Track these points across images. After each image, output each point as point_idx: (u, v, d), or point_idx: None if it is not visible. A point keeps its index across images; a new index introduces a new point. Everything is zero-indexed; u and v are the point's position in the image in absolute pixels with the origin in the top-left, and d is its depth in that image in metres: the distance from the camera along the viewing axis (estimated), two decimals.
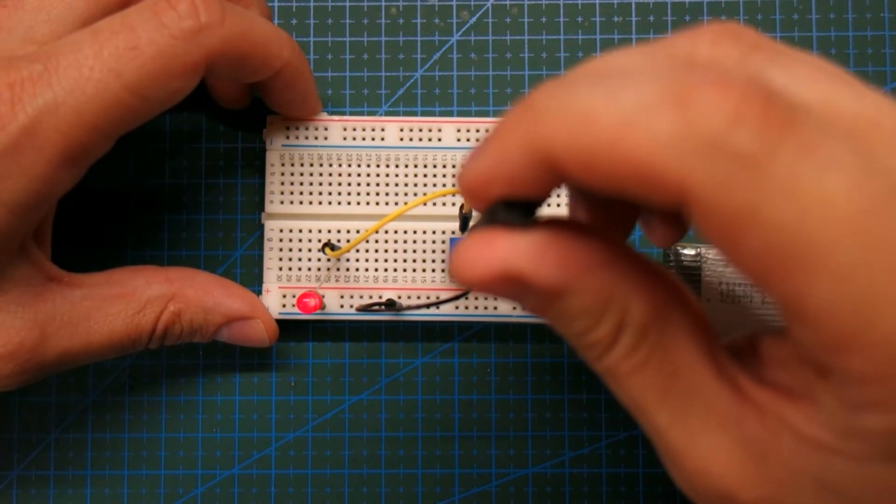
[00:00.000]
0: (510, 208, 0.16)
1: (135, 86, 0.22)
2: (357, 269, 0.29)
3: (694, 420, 0.16)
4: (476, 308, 0.28)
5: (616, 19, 0.31)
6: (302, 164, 0.29)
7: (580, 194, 0.20)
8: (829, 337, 0.13)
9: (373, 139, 0.29)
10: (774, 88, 0.14)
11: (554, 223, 0.16)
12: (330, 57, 0.31)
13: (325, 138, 0.29)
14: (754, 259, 0.13)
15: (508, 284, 0.15)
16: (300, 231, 0.29)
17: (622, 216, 0.20)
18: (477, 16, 0.31)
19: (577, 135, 0.14)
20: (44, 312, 0.24)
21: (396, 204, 0.29)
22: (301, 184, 0.29)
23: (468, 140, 0.29)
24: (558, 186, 0.16)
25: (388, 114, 0.30)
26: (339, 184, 0.29)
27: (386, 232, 0.29)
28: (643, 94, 0.14)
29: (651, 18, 0.31)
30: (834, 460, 0.15)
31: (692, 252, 0.28)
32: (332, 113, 0.30)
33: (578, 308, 0.16)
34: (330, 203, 0.29)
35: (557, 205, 0.28)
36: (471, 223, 0.26)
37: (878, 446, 0.14)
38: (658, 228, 0.19)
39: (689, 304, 0.16)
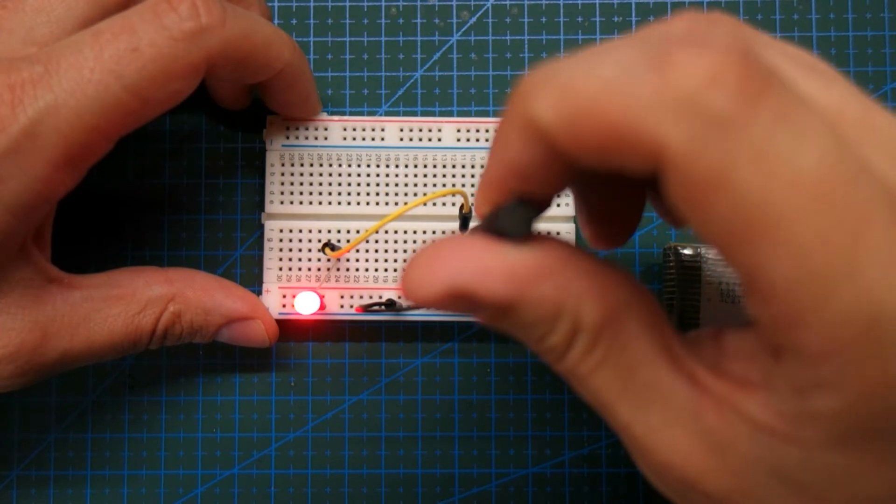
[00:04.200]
0: (511, 214, 0.16)
1: (135, 87, 0.22)
2: (357, 269, 0.29)
3: (653, 415, 0.16)
4: None
5: (616, 19, 0.31)
6: (302, 164, 0.29)
7: (581, 193, 0.20)
8: (784, 313, 0.13)
9: (373, 139, 0.29)
10: (753, 52, 0.14)
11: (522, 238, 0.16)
12: (330, 57, 0.31)
13: (325, 138, 0.29)
14: (721, 226, 0.13)
15: (458, 302, 0.16)
16: (300, 231, 0.29)
17: (625, 213, 0.20)
18: (477, 16, 0.31)
19: (560, 104, 0.14)
20: (44, 314, 0.24)
21: (396, 204, 0.29)
22: (301, 184, 0.29)
23: (468, 140, 0.29)
24: (565, 173, 0.16)
25: (388, 114, 0.30)
26: (339, 184, 0.29)
27: (386, 232, 0.29)
28: (622, 61, 0.14)
29: (651, 18, 0.31)
30: (787, 448, 0.15)
31: (692, 252, 0.28)
32: (332, 113, 0.30)
33: (530, 319, 0.16)
34: (330, 203, 0.29)
35: (558, 205, 0.29)
36: (471, 224, 0.26)
37: (828, 431, 0.14)
38: (671, 211, 0.19)
39: (645, 302, 0.17)
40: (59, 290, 0.24)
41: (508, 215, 0.16)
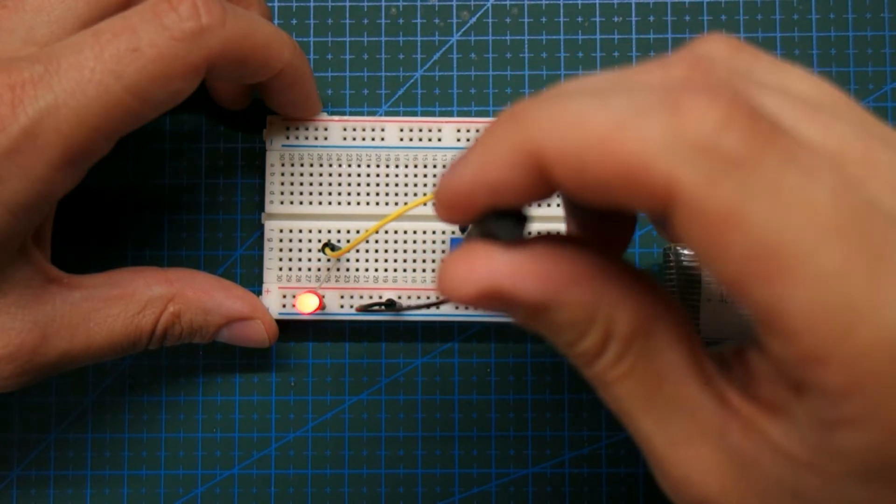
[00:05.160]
0: (499, 220, 0.16)
1: (135, 87, 0.22)
2: (357, 269, 0.29)
3: (676, 429, 0.16)
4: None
5: (616, 19, 0.31)
6: (302, 164, 0.29)
7: (571, 211, 0.20)
8: (806, 349, 0.13)
9: (373, 139, 0.29)
10: (756, 103, 0.14)
11: (541, 237, 0.16)
12: (330, 57, 0.31)
13: (325, 138, 0.29)
14: (736, 263, 0.14)
15: (494, 302, 0.16)
16: (300, 231, 0.29)
17: (619, 227, 0.20)
18: (477, 16, 0.31)
19: (569, 137, 0.14)
20: (44, 314, 0.24)
21: (396, 204, 0.29)
22: (301, 184, 0.29)
23: (468, 140, 0.29)
24: (544, 196, 0.16)
25: (388, 114, 0.30)
26: (339, 184, 0.29)
27: (386, 232, 0.29)
28: (634, 101, 0.14)
29: (651, 18, 0.31)
30: (809, 476, 0.15)
31: (692, 252, 0.28)
32: (332, 113, 0.30)
33: (564, 321, 0.16)
34: (330, 203, 0.29)
35: (557, 205, 0.29)
36: (470, 226, 0.26)
37: (852, 465, 0.14)
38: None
39: (676, 315, 0.17)
40: (58, 290, 0.24)
41: (499, 223, 0.16)
